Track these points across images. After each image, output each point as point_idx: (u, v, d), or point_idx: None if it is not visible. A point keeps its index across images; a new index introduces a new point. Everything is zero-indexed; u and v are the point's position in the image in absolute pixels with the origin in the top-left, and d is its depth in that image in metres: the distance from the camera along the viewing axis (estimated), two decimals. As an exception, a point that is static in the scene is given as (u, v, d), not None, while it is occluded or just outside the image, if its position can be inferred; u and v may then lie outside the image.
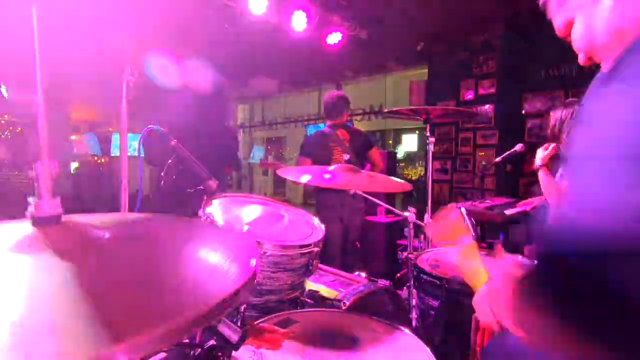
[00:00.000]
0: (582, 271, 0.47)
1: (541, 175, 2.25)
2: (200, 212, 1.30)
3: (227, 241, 0.61)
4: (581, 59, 0.71)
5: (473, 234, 1.90)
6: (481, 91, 4.68)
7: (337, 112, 3.10)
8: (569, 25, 0.68)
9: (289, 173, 1.54)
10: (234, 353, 0.65)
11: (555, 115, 2.43)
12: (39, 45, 0.57)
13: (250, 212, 1.50)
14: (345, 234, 3.03)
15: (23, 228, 0.54)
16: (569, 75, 4.14)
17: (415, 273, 1.59)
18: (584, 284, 0.47)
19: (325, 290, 1.50)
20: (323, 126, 3.32)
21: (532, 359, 0.89)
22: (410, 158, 7.83)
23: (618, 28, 0.59)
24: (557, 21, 0.70)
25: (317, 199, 3.10)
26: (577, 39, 0.69)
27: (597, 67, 0.72)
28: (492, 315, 0.71)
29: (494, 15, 4.15)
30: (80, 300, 0.41)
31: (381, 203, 2.02)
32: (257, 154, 9.45)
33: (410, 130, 7.73)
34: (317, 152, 2.95)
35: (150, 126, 1.43)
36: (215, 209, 1.38)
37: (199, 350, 0.68)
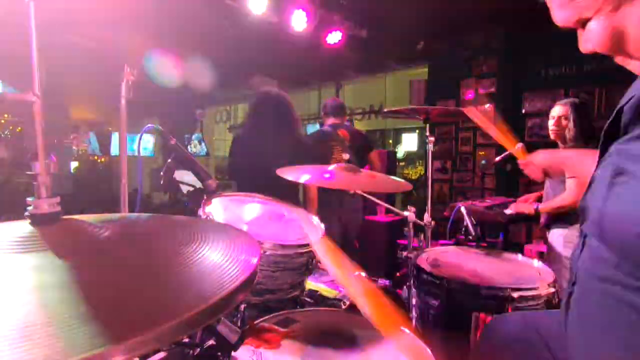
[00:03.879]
0: None
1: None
2: (200, 212, 1.30)
3: (227, 240, 0.61)
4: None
5: (473, 233, 1.90)
6: (481, 91, 4.68)
7: (338, 112, 3.13)
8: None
9: (289, 172, 1.54)
10: (233, 353, 0.65)
11: (553, 113, 2.44)
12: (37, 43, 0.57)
13: (250, 211, 1.50)
14: (344, 234, 3.05)
15: (22, 228, 0.54)
16: (569, 75, 4.14)
17: (415, 272, 1.59)
18: None
19: (325, 290, 1.50)
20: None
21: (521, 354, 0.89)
22: (410, 157, 7.83)
23: None
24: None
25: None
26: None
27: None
28: None
29: (494, 15, 4.15)
30: (78, 299, 0.41)
31: (381, 202, 2.02)
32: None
33: (410, 130, 7.73)
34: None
35: (149, 125, 1.43)
36: (215, 209, 1.38)
37: (199, 349, 0.68)
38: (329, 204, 2.93)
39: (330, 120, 3.12)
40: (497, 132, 1.45)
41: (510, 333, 0.97)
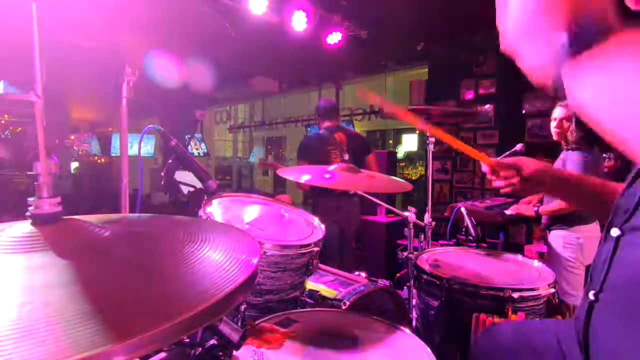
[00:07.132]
0: None
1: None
2: (201, 212, 1.30)
3: (227, 240, 0.61)
4: None
5: (473, 233, 1.90)
6: (481, 91, 4.68)
7: (332, 114, 3.13)
8: None
9: (289, 173, 1.54)
10: (234, 353, 0.65)
11: (555, 115, 2.44)
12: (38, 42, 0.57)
13: (250, 212, 1.50)
14: (341, 237, 3.09)
15: (23, 228, 0.54)
16: (569, 75, 4.14)
17: (415, 273, 1.59)
18: None
19: (325, 290, 1.50)
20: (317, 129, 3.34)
21: (524, 355, 0.89)
22: (410, 158, 7.84)
23: None
24: None
25: (313, 204, 3.13)
26: None
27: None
28: None
29: (494, 15, 4.15)
30: (80, 299, 0.41)
31: (381, 203, 2.02)
32: (257, 153, 9.47)
33: (411, 130, 7.74)
34: (314, 155, 2.94)
35: (150, 126, 1.43)
36: (216, 209, 1.38)
37: (200, 349, 0.68)
38: (327, 209, 2.95)
39: (326, 124, 3.11)
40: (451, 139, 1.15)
41: (502, 344, 0.96)
